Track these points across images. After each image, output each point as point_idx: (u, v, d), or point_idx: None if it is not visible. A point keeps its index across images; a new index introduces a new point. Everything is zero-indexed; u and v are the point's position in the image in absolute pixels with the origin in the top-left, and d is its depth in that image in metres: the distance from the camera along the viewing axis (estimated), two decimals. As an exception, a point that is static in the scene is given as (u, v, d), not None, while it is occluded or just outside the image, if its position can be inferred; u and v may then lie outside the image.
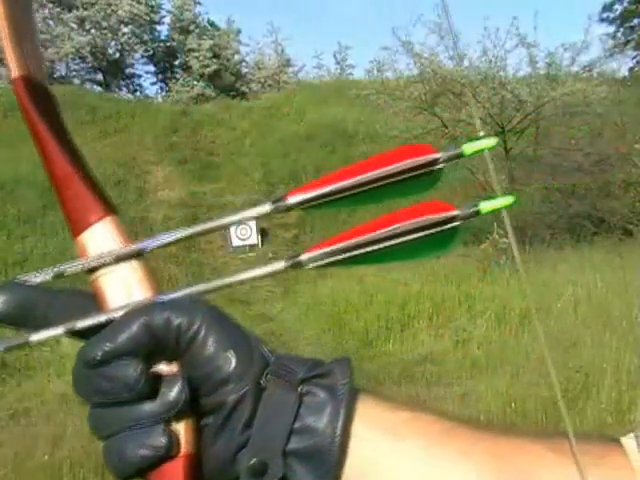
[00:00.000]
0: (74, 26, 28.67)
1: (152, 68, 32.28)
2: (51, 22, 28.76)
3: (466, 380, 5.92)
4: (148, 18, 30.08)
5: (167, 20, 31.58)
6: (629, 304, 6.75)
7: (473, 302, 8.25)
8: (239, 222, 0.61)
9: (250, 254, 13.74)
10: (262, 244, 14.09)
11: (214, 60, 30.69)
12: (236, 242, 13.80)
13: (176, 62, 31.94)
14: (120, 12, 28.60)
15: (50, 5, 28.62)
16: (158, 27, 31.69)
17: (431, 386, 5.67)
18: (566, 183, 12.41)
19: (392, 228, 0.59)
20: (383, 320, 8.01)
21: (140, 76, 32.43)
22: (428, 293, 8.59)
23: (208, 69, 30.28)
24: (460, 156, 0.59)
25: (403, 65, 15.09)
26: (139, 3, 29.37)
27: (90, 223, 0.58)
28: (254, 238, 13.91)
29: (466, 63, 12.90)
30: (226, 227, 0.61)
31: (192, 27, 31.09)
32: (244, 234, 13.83)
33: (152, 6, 30.43)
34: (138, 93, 31.43)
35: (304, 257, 0.61)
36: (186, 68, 31.05)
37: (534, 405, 4.73)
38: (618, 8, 20.25)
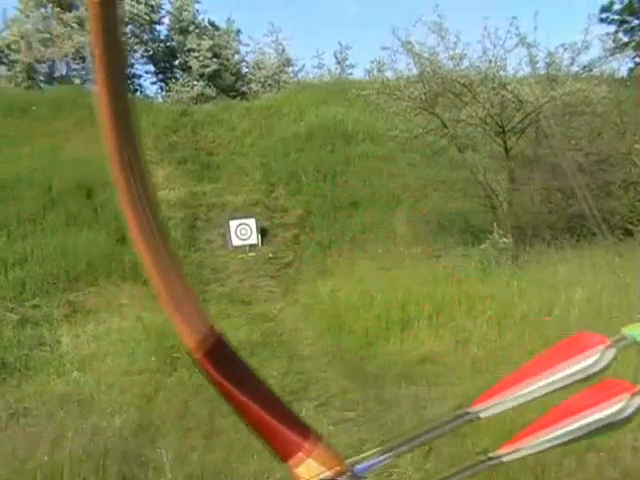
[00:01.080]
0: (74, 26, 28.65)
1: (152, 68, 32.24)
2: (52, 22, 28.78)
3: (466, 380, 5.91)
4: (148, 18, 30.05)
5: (167, 20, 31.58)
6: (629, 304, 6.75)
7: (473, 302, 8.25)
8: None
9: (250, 254, 13.73)
10: (262, 244, 14.08)
11: (214, 60, 30.66)
12: (236, 242, 13.79)
13: (176, 62, 31.91)
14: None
15: (50, 5, 28.62)
16: (158, 27, 31.68)
17: (431, 386, 5.67)
18: (566, 183, 12.41)
19: (574, 427, 0.62)
20: (383, 320, 8.00)
21: (140, 76, 32.39)
22: (428, 293, 8.59)
23: (208, 69, 30.25)
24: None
25: (403, 65, 15.06)
26: (139, 3, 29.34)
27: (294, 454, 0.65)
28: (254, 238, 13.89)
29: (466, 63, 12.90)
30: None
31: (191, 27, 31.06)
32: (244, 234, 13.82)
33: (152, 6, 30.39)
34: (138, 93, 31.39)
35: (505, 457, 0.63)
36: (186, 68, 31.01)
37: (534, 405, 4.73)
38: (617, 9, 20.23)
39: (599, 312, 6.85)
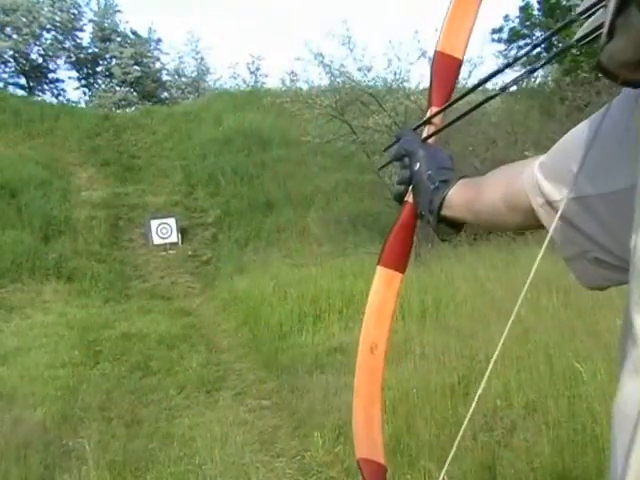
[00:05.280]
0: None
1: (75, 74, 31.47)
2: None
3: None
4: (70, 25, 29.30)
5: (89, 28, 30.87)
6: (515, 295, 6.94)
7: (380, 296, 8.34)
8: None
9: (170, 252, 13.58)
10: (182, 242, 13.94)
11: (136, 67, 30.17)
12: (157, 240, 13.62)
13: (98, 68, 31.25)
14: (42, 19, 27.74)
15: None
16: (80, 34, 30.92)
17: (340, 375, 5.71)
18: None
19: None
20: (296, 314, 8.04)
21: (63, 81, 31.62)
22: (338, 288, 8.65)
23: (130, 76, 29.73)
24: None
25: (315, 75, 15.10)
26: (61, 11, 28.59)
27: None
28: (174, 237, 13.75)
29: (373, 74, 13.08)
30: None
31: (114, 35, 30.48)
32: (165, 233, 13.66)
33: (74, 14, 29.65)
34: (61, 97, 30.59)
35: None
36: (108, 74, 30.41)
37: (433, 390, 4.83)
38: (506, 31, 20.89)
39: (491, 304, 7.02)
